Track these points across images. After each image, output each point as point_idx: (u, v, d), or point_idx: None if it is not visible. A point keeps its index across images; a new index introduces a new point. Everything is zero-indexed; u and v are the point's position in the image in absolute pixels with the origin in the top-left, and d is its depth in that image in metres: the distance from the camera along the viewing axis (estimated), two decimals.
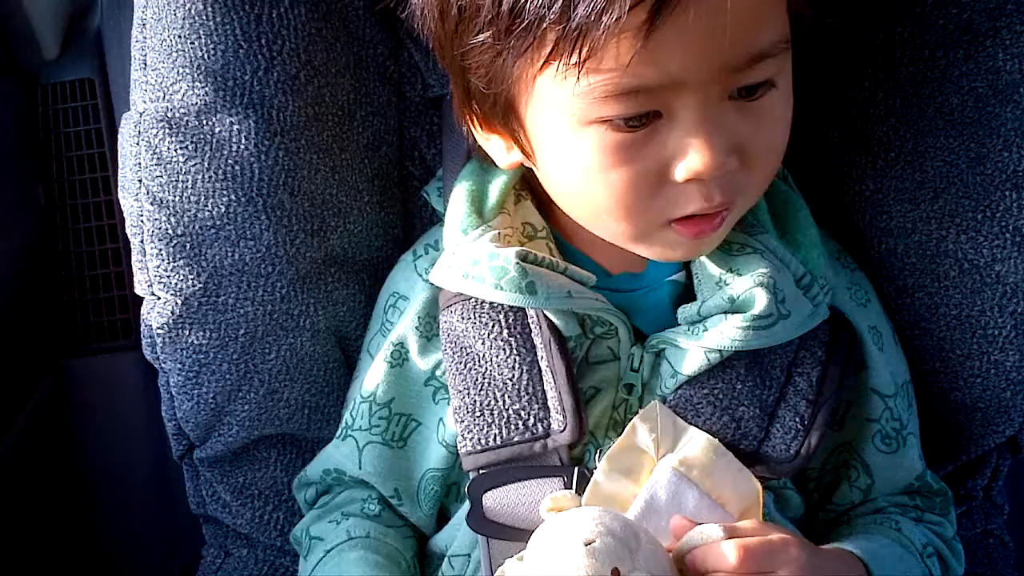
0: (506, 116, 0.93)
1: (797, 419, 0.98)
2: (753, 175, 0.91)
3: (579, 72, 0.83)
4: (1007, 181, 1.04)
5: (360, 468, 1.07)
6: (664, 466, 0.95)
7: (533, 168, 0.98)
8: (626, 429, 0.97)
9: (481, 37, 0.87)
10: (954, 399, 1.12)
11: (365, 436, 1.07)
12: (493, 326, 1.01)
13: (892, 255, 1.11)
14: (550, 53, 0.84)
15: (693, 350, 0.97)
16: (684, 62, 0.82)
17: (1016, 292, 1.07)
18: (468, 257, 0.98)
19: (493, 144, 0.99)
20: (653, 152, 0.87)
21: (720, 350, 0.96)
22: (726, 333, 0.95)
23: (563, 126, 0.88)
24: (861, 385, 1.05)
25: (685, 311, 0.98)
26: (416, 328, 1.06)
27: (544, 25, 0.82)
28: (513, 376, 0.99)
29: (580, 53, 0.82)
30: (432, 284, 1.04)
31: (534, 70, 0.86)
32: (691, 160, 0.86)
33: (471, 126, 0.99)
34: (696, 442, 0.96)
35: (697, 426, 0.98)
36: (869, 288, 1.09)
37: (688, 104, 0.85)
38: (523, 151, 0.95)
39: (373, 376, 1.07)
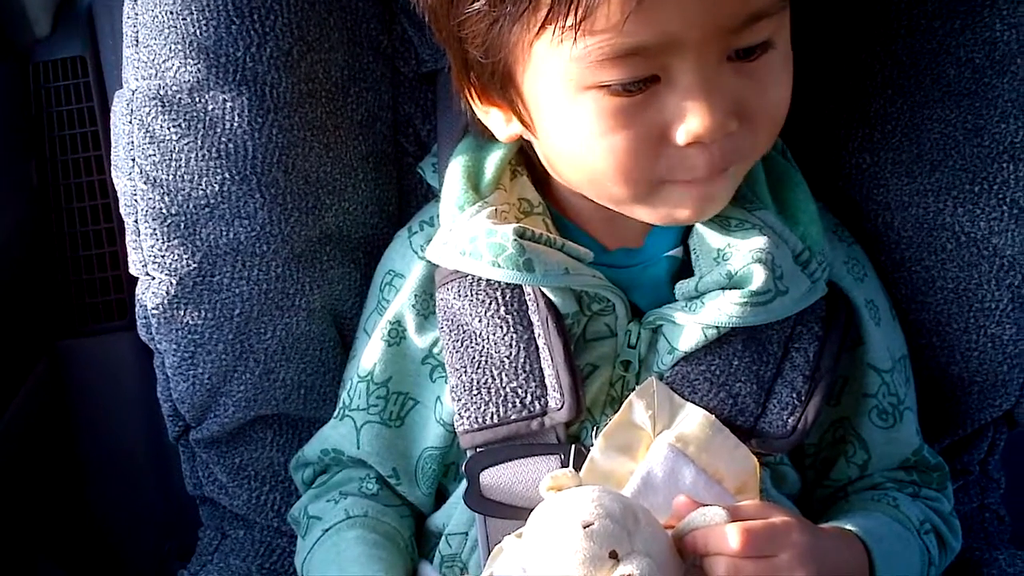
0: (504, 86, 0.92)
1: (794, 395, 0.98)
2: (755, 135, 0.91)
3: (575, 35, 0.83)
4: (1004, 153, 1.04)
5: (358, 448, 1.07)
6: (661, 442, 0.95)
7: (532, 139, 0.97)
8: (622, 406, 0.97)
9: (476, 5, 0.87)
10: (951, 373, 1.12)
11: (363, 416, 1.07)
12: (490, 303, 1.00)
13: (889, 228, 1.11)
14: (545, 17, 0.83)
15: (690, 326, 0.97)
16: (680, 21, 0.82)
17: (1013, 265, 1.07)
18: (465, 234, 0.98)
19: (492, 117, 0.98)
20: (652, 116, 0.87)
21: (718, 326, 0.96)
22: (724, 309, 0.95)
23: (561, 92, 0.88)
24: (858, 360, 1.04)
25: (683, 287, 0.98)
26: (413, 306, 1.06)
27: None
28: (510, 354, 0.99)
29: (576, 15, 0.82)
30: (428, 261, 1.04)
31: (530, 36, 0.86)
32: (691, 122, 0.86)
33: (469, 99, 0.98)
34: (693, 418, 0.97)
35: (694, 402, 0.98)
36: (867, 262, 1.09)
37: (686, 66, 0.85)
38: (522, 121, 0.95)
39: (370, 355, 1.07)
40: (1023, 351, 1.10)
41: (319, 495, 1.10)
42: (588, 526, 0.83)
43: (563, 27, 0.83)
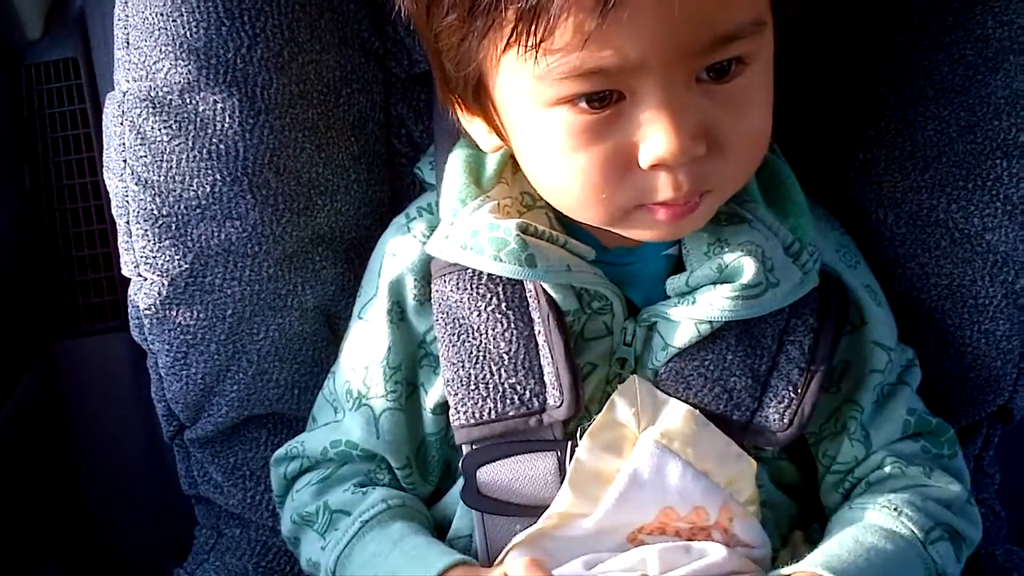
0: (477, 98, 0.93)
1: (790, 387, 0.98)
2: (728, 162, 0.89)
3: (536, 53, 0.82)
4: (997, 150, 1.04)
5: (378, 438, 1.05)
6: (646, 439, 0.95)
7: (514, 150, 0.97)
8: (605, 405, 0.97)
9: (448, 19, 0.87)
10: (944, 369, 1.12)
11: (381, 403, 1.06)
12: (491, 298, 1.00)
13: (883, 225, 1.11)
14: (510, 34, 0.83)
15: (684, 322, 0.97)
16: (641, 45, 0.81)
17: (1007, 261, 1.07)
18: (467, 228, 0.97)
19: (476, 127, 0.98)
20: (618, 134, 0.86)
21: (710, 321, 0.96)
22: (715, 303, 0.95)
23: (529, 107, 0.88)
24: (862, 341, 1.04)
25: (674, 282, 0.98)
26: (411, 290, 1.05)
27: (503, 4, 0.82)
28: (510, 350, 0.99)
29: (537, 34, 0.81)
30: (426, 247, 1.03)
31: (498, 51, 0.86)
32: (654, 144, 0.85)
33: (455, 109, 0.98)
34: (676, 413, 0.96)
35: (688, 398, 0.98)
36: (858, 252, 1.09)
37: (650, 86, 0.84)
38: (498, 134, 0.95)
39: (378, 341, 1.06)
40: (1016, 346, 1.10)
41: (327, 488, 1.08)
42: None
43: (525, 46, 0.82)
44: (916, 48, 1.05)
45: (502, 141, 0.96)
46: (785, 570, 0.93)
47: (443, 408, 1.04)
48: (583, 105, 0.86)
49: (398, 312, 1.06)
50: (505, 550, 0.97)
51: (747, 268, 0.94)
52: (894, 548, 0.94)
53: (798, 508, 1.06)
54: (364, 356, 1.07)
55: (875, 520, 0.97)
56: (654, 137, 0.85)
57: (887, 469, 1.02)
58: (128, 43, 1.07)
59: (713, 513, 0.95)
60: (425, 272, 1.05)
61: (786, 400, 0.98)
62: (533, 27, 0.81)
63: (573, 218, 0.97)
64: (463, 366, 1.00)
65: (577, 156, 0.88)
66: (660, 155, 0.85)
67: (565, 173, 0.90)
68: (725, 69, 0.86)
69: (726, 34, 0.83)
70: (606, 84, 0.84)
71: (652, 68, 0.83)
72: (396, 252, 1.07)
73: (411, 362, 1.07)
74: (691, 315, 0.96)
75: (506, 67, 0.87)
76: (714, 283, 0.96)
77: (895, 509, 0.97)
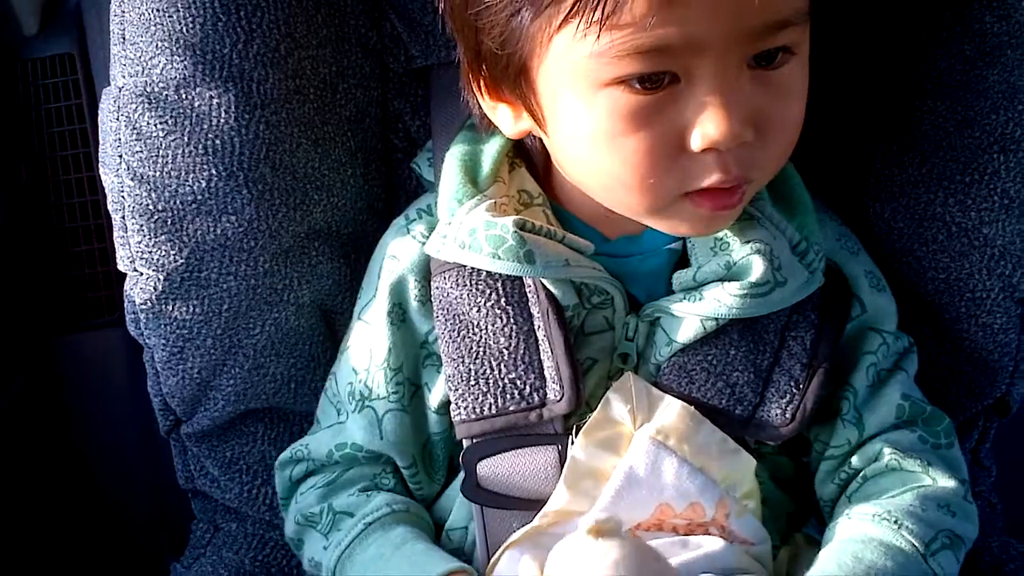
0: (517, 80, 0.92)
1: (792, 383, 0.98)
2: (769, 149, 0.89)
3: (600, 29, 0.82)
4: (995, 144, 1.04)
5: (382, 439, 1.05)
6: (642, 436, 0.95)
7: (543, 137, 0.97)
8: (600, 403, 0.97)
9: None
10: (942, 363, 1.13)
11: (384, 404, 1.06)
12: (490, 294, 1.00)
13: (880, 219, 1.11)
14: (570, 10, 0.83)
15: (689, 318, 0.97)
16: (705, 22, 0.81)
17: (1004, 255, 1.07)
18: (465, 227, 0.97)
19: (500, 113, 0.98)
20: (669, 118, 0.86)
21: (716, 318, 0.96)
22: (723, 300, 0.95)
23: (578, 89, 0.87)
24: (858, 326, 1.04)
25: (680, 277, 0.98)
26: (412, 290, 1.05)
27: None
28: (509, 345, 0.99)
29: (603, 9, 0.81)
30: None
31: (551, 29, 0.85)
32: (707, 127, 0.85)
33: (478, 94, 0.97)
34: (671, 409, 0.96)
35: (691, 393, 0.98)
36: (857, 240, 1.08)
37: (707, 68, 0.84)
38: (534, 118, 0.94)
39: (379, 343, 1.06)
40: (1013, 339, 1.10)
41: (332, 492, 1.08)
42: None
43: (588, 21, 0.82)
44: (914, 43, 1.05)
45: (536, 124, 0.95)
46: None
47: (447, 407, 1.04)
48: (636, 86, 0.85)
49: (399, 313, 1.06)
50: (501, 548, 0.97)
51: (755, 266, 0.94)
52: (894, 565, 0.92)
53: (796, 506, 1.06)
54: (365, 358, 1.07)
55: (874, 534, 0.95)
56: (708, 119, 0.85)
57: (884, 462, 1.00)
58: (124, 39, 1.07)
59: (710, 509, 0.95)
60: (425, 272, 1.05)
61: (788, 395, 0.98)
62: (600, 3, 0.81)
63: (611, 208, 0.96)
64: (463, 362, 1.00)
65: (625, 140, 0.87)
66: (713, 137, 0.85)
67: (611, 158, 0.89)
68: (773, 56, 0.87)
69: (782, 19, 0.84)
70: (664, 64, 0.84)
71: (711, 49, 0.83)
72: (396, 254, 1.07)
73: (413, 363, 1.07)
74: (696, 311, 0.96)
75: (558, 45, 0.86)
76: (721, 280, 0.96)
77: (895, 521, 0.95)
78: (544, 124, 0.94)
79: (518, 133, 0.98)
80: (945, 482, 0.99)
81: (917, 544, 0.94)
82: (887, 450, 1.01)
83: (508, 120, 0.97)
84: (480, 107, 0.99)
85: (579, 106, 0.88)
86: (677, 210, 0.91)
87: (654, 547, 0.90)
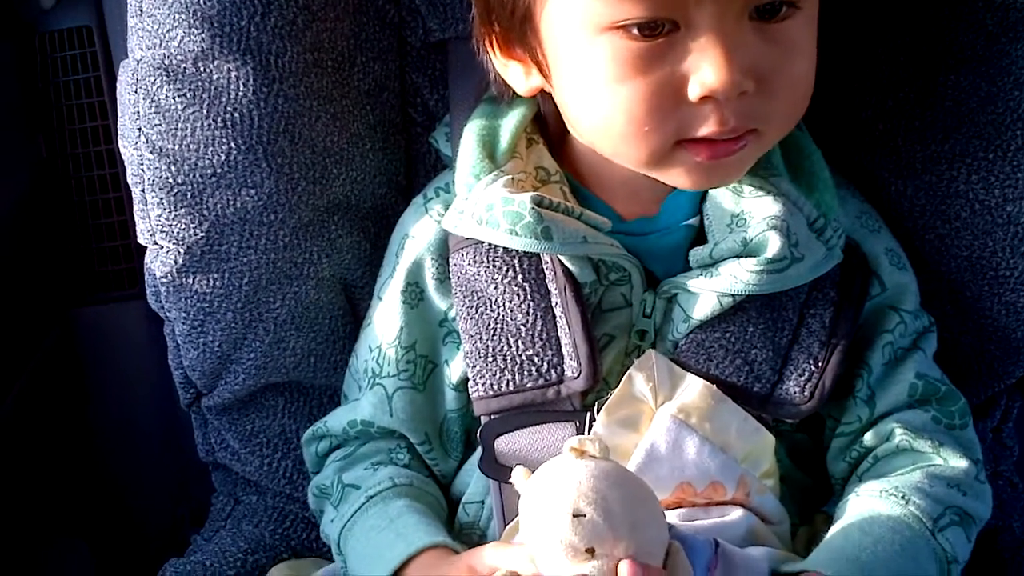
0: (523, 28, 0.92)
1: (811, 361, 0.98)
2: (773, 103, 0.89)
3: None
4: (1019, 120, 1.03)
5: (391, 416, 1.06)
6: (663, 414, 0.95)
7: (550, 89, 0.96)
8: (623, 380, 0.97)
9: None
10: (964, 341, 1.12)
11: (394, 382, 1.06)
12: (507, 270, 1.00)
13: (902, 196, 1.10)
14: None
15: (705, 294, 0.97)
16: None
17: None
18: (482, 203, 0.97)
19: (511, 70, 0.98)
20: (668, 65, 0.86)
21: (733, 294, 0.96)
22: (739, 276, 0.94)
23: (579, 33, 0.87)
24: (877, 304, 1.03)
25: (697, 254, 0.98)
26: (429, 269, 1.05)
27: None
28: (527, 322, 0.99)
29: None
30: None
31: None
32: (705, 74, 0.85)
33: (490, 50, 0.98)
34: (693, 388, 0.96)
35: (709, 370, 0.98)
36: (879, 216, 1.08)
37: (707, 15, 0.84)
38: (540, 69, 0.94)
39: (391, 321, 1.07)
40: None
41: (346, 466, 1.09)
42: (578, 515, 0.82)
43: None
44: (936, 17, 1.04)
45: (542, 77, 0.95)
46: (791, 566, 0.91)
47: (466, 384, 1.04)
48: (635, 32, 0.85)
49: (415, 292, 1.06)
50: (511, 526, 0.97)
51: (772, 242, 0.94)
52: (901, 539, 0.93)
53: (814, 484, 1.06)
54: (378, 335, 1.08)
55: (882, 509, 0.95)
56: (706, 68, 0.84)
57: (895, 442, 1.00)
58: (142, 11, 1.07)
59: (730, 488, 0.95)
60: (443, 250, 1.05)
61: (807, 373, 0.98)
62: None
63: (612, 159, 0.95)
64: (481, 338, 1.01)
65: (623, 86, 0.87)
66: (711, 85, 0.84)
67: (609, 104, 0.89)
68: (776, 9, 0.86)
69: None
70: (663, 10, 0.84)
71: None
72: (414, 233, 1.07)
73: (429, 341, 1.07)
74: (713, 287, 0.96)
75: None
76: (738, 256, 0.95)
77: (903, 497, 0.95)
78: (549, 75, 0.94)
79: (530, 90, 0.98)
80: (956, 462, 0.99)
81: (924, 519, 0.94)
82: (899, 430, 1.00)
83: (519, 77, 0.98)
84: (494, 67, 0.99)
85: (580, 51, 0.88)
86: (676, 159, 0.91)
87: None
